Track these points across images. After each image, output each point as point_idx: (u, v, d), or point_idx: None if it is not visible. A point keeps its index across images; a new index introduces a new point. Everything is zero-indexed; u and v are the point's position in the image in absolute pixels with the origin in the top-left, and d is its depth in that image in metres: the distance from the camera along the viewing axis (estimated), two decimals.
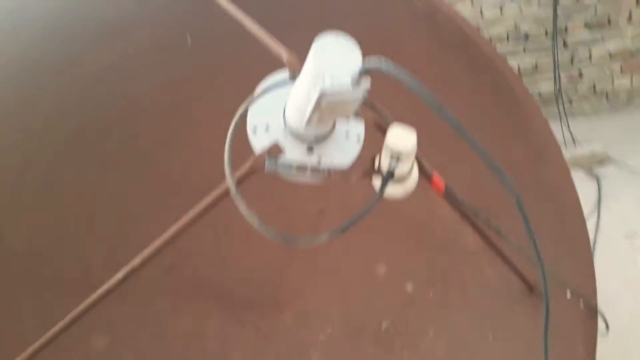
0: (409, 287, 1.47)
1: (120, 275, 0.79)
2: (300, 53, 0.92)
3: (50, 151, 1.24)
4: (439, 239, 1.52)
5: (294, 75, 0.77)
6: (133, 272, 0.80)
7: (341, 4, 1.56)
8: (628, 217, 2.90)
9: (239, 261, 1.43)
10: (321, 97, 0.61)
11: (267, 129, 0.76)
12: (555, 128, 3.74)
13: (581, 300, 1.36)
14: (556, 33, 4.12)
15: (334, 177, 0.76)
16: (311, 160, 0.76)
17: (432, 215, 1.52)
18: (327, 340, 1.41)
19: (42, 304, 1.19)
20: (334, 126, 0.76)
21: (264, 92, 0.73)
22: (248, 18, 0.95)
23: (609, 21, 4.14)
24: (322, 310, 1.45)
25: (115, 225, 1.29)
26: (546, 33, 4.15)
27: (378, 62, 0.57)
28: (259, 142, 0.76)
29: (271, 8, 1.35)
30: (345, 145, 0.79)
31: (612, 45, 4.19)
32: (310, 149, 0.75)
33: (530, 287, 1.36)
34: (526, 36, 4.15)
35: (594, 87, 4.29)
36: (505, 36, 4.18)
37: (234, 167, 0.75)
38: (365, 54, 0.87)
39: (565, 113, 4.17)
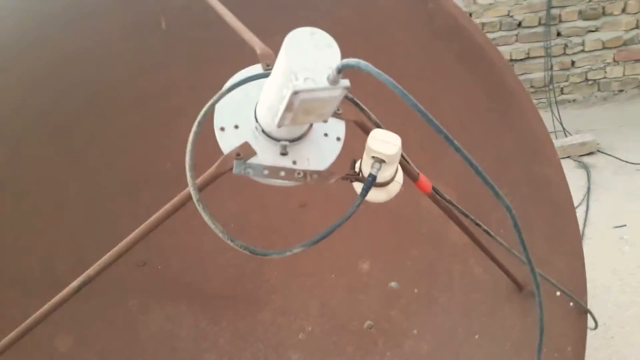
0: (393, 284, 1.42)
1: (75, 284, 0.72)
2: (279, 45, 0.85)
3: (12, 137, 1.16)
4: (425, 235, 1.46)
5: (268, 71, 0.70)
6: (89, 280, 0.73)
7: None
8: (616, 207, 2.87)
9: (215, 257, 1.37)
10: (294, 96, 0.54)
11: (236, 128, 0.69)
12: (546, 117, 3.69)
13: (571, 300, 1.32)
14: (550, 21, 4.04)
15: (310, 180, 0.69)
16: (285, 162, 0.69)
17: (418, 209, 1.46)
18: (307, 339, 1.36)
19: (2, 304, 1.11)
20: (311, 125, 0.69)
21: (233, 88, 0.65)
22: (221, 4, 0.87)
23: (604, 11, 4.07)
24: (302, 308, 1.39)
25: (82, 218, 1.21)
26: (540, 21, 4.07)
27: (357, 60, 0.50)
28: (227, 143, 0.68)
29: None
30: (323, 146, 0.72)
31: (606, 35, 4.12)
32: (284, 150, 0.68)
33: (518, 286, 1.31)
34: (519, 24, 4.07)
35: (586, 76, 4.23)
36: (498, 24, 4.10)
37: (202, 168, 0.68)
38: (354, 42, 0.80)
39: (556, 102, 4.12)
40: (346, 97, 0.74)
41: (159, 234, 0.93)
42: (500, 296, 1.34)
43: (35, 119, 1.14)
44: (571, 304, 1.33)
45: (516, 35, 4.16)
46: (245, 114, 0.70)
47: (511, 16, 4.11)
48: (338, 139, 0.74)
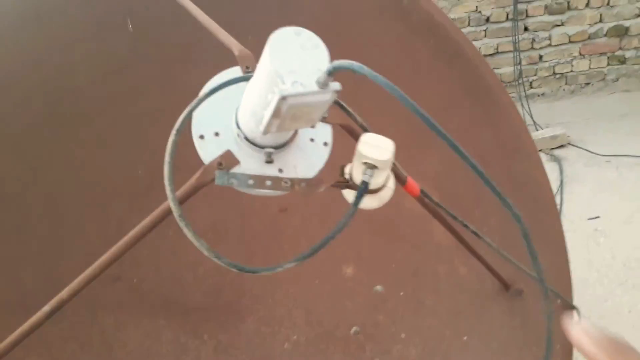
0: (379, 288, 1.38)
1: (47, 308, 0.67)
2: (258, 46, 0.80)
3: None
4: (408, 236, 1.44)
5: (247, 73, 0.65)
6: (62, 304, 0.67)
7: None
8: (590, 199, 2.92)
9: (193, 268, 1.31)
10: (281, 101, 0.49)
11: (217, 136, 0.64)
12: None
13: (559, 297, 1.31)
14: (517, 16, 4.10)
15: (298, 189, 0.65)
16: (271, 170, 0.65)
17: (400, 209, 1.43)
18: (293, 348, 1.31)
19: None
20: (296, 131, 0.65)
21: (212, 93, 0.61)
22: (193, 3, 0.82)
23: (569, 6, 4.15)
24: (286, 317, 1.35)
25: (48, 234, 1.14)
26: (507, 16, 4.12)
27: (349, 62, 0.46)
28: (207, 151, 0.64)
29: None
30: (310, 152, 0.68)
31: (571, 29, 4.20)
32: (269, 158, 0.64)
33: (505, 286, 1.30)
34: (487, 19, 4.11)
35: (554, 70, 4.30)
36: (467, 19, 4.13)
37: (179, 181, 0.63)
38: (327, 40, 0.75)
39: (526, 96, 4.18)
40: None
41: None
42: (487, 296, 1.32)
43: None
44: (559, 301, 1.32)
45: (485, 30, 4.20)
46: (225, 120, 0.65)
47: (479, 12, 4.15)
48: (325, 144, 0.70)
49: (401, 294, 1.38)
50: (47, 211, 1.14)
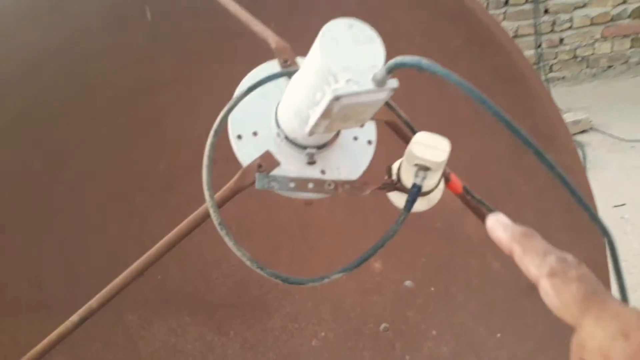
0: (408, 283, 1.34)
1: (75, 318, 0.63)
2: (282, 34, 0.75)
3: None
4: (439, 229, 1.39)
5: (286, 68, 0.61)
6: (91, 313, 0.63)
7: None
8: (615, 186, 2.84)
9: (218, 263, 1.28)
10: (334, 101, 0.45)
11: (255, 135, 0.60)
12: None
13: None
14: None
15: (342, 192, 0.61)
16: (313, 172, 0.61)
17: None
18: (321, 345, 1.28)
19: None
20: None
21: (251, 89, 0.56)
22: None
23: None
24: (313, 313, 1.32)
25: (69, 231, 1.11)
26: None
27: (416, 57, 0.41)
28: (245, 153, 0.59)
29: None
30: (353, 152, 0.63)
31: (593, 10, 4.07)
32: (311, 159, 0.60)
33: None
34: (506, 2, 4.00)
35: (575, 53, 4.19)
36: (485, 2, 4.02)
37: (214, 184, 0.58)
38: None
39: (546, 79, 4.07)
40: None
41: (156, 241, 0.84)
42: (522, 292, 1.27)
43: (8, 125, 1.03)
44: None
45: (504, 13, 4.09)
46: (263, 118, 0.61)
47: None
48: (369, 142, 0.65)
49: (432, 289, 1.34)
50: (68, 208, 1.11)
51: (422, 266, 1.34)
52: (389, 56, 0.48)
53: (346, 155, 0.63)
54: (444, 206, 1.44)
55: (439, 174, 0.60)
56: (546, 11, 4.08)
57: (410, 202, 0.58)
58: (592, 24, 4.15)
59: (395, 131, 0.67)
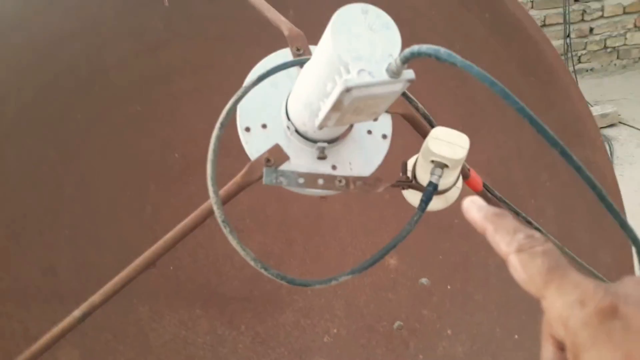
0: (424, 280, 1.31)
1: (77, 313, 0.61)
2: (301, 22, 0.72)
3: None
4: (457, 225, 1.35)
5: (298, 56, 0.57)
6: (93, 308, 0.62)
7: None
8: None
9: (230, 256, 1.26)
10: (345, 93, 0.41)
11: (264, 128, 0.57)
12: None
13: None
14: None
15: (354, 189, 0.57)
16: (324, 167, 0.57)
17: None
18: (333, 342, 1.25)
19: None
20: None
21: (260, 79, 0.53)
22: None
23: None
24: (326, 309, 1.29)
25: (81, 219, 1.10)
26: None
27: (434, 47, 0.37)
28: (253, 146, 0.56)
29: None
30: (367, 146, 0.60)
31: None
32: (322, 154, 0.56)
33: None
34: None
35: (605, 43, 4.06)
36: None
37: (221, 177, 0.56)
38: None
39: (574, 71, 3.96)
40: None
41: (169, 231, 0.82)
42: None
43: (20, 113, 1.01)
44: None
45: (532, 1, 3.97)
46: (273, 110, 0.57)
47: None
48: (384, 136, 0.62)
49: (448, 287, 1.30)
50: (80, 197, 1.09)
51: (438, 263, 1.31)
52: (408, 45, 0.44)
53: (359, 150, 0.59)
54: (461, 202, 1.39)
55: (456, 172, 0.57)
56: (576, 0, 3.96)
57: (425, 202, 0.55)
58: (624, 12, 4.01)
59: (413, 125, 0.63)
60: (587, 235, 1.25)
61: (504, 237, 0.32)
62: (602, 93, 3.77)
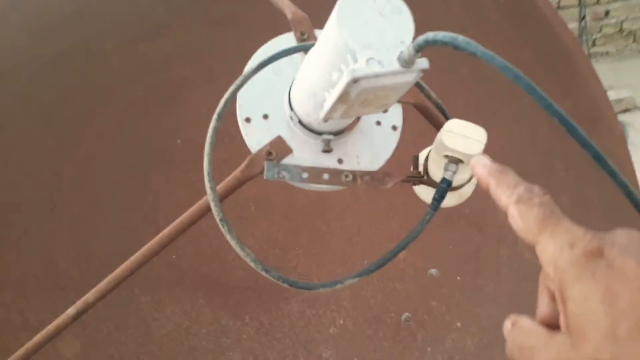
0: (433, 271, 1.28)
1: (71, 311, 0.59)
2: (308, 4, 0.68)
3: None
4: (467, 215, 1.31)
5: (302, 42, 0.53)
6: (88, 307, 0.59)
7: None
8: None
9: None
10: (352, 83, 0.38)
11: (265, 119, 0.53)
12: None
13: None
14: None
15: (361, 184, 0.54)
16: (329, 161, 0.54)
17: None
18: (339, 333, 1.23)
19: None
20: None
21: (260, 68, 0.49)
22: None
23: None
24: (332, 299, 1.26)
25: (80, 208, 1.07)
26: None
27: (451, 34, 0.34)
28: (254, 138, 0.53)
29: None
30: (375, 138, 0.56)
31: None
32: (327, 147, 0.53)
33: None
34: None
35: (621, 26, 3.95)
36: None
37: (220, 172, 0.52)
38: None
39: (589, 54, 3.86)
40: None
41: (170, 220, 0.80)
42: None
43: (17, 99, 0.98)
44: None
45: None
46: (275, 99, 0.54)
47: None
48: (394, 128, 0.58)
49: (458, 278, 1.27)
50: (79, 185, 1.07)
51: (448, 254, 1.27)
52: (420, 31, 0.40)
53: (367, 142, 0.55)
54: (473, 190, 1.35)
55: None
56: None
57: (438, 200, 0.51)
58: None
59: (425, 115, 0.59)
60: (602, 226, 1.20)
61: (505, 190, 0.33)
62: (617, 78, 3.68)
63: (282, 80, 0.53)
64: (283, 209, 1.30)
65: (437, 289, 1.26)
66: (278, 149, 0.52)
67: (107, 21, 1.07)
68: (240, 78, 0.48)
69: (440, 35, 0.34)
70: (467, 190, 0.57)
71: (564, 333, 0.28)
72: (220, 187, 0.52)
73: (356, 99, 0.41)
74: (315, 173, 0.53)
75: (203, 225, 1.24)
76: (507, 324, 0.35)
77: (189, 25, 1.17)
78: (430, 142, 0.63)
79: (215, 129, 0.47)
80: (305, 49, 0.53)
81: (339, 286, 0.50)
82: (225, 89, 0.65)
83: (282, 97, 0.53)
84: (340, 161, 0.54)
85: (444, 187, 0.51)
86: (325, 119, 0.45)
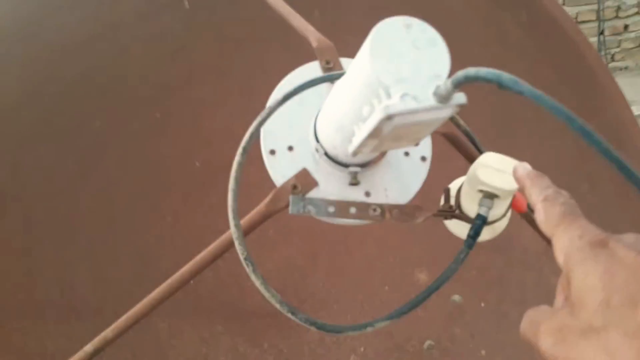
0: (456, 297, 1.24)
1: (89, 348, 0.57)
2: (326, 25, 0.66)
3: (10, 144, 0.99)
4: (492, 240, 1.27)
5: (328, 71, 0.51)
6: (106, 344, 0.57)
7: None
8: None
9: None
10: (386, 120, 0.35)
11: (290, 150, 0.51)
12: None
13: None
14: None
15: (390, 218, 0.51)
16: (356, 194, 0.51)
17: None
18: None
19: (15, 334, 0.97)
20: None
21: (285, 99, 0.47)
22: None
23: None
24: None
25: (98, 232, 1.06)
26: None
27: (494, 71, 0.31)
28: (279, 171, 0.51)
29: None
30: (404, 170, 0.54)
31: None
32: (354, 179, 0.50)
33: None
34: None
35: None
36: None
37: (247, 188, 0.50)
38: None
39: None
40: None
41: (189, 243, 0.77)
42: None
43: (36, 121, 0.98)
44: None
45: None
46: (300, 130, 0.52)
47: None
48: (423, 158, 0.56)
49: (482, 304, 1.23)
50: (97, 208, 1.06)
51: (472, 279, 1.24)
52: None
53: (395, 174, 0.53)
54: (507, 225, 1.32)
55: (508, 202, 0.50)
56: None
57: (473, 237, 0.49)
58: None
59: (454, 144, 0.57)
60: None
61: (537, 190, 0.37)
62: (636, 92, 3.62)
63: (307, 111, 0.51)
64: (302, 232, 1.28)
65: (460, 316, 1.22)
66: (303, 182, 0.50)
67: (125, 44, 1.07)
68: (265, 111, 0.46)
69: (483, 72, 0.32)
70: (501, 225, 0.54)
71: (566, 305, 0.31)
72: (243, 222, 0.50)
73: (388, 135, 0.39)
74: (342, 207, 0.50)
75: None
76: None
77: (207, 47, 1.16)
78: (455, 167, 0.60)
79: (240, 164, 0.45)
80: (331, 79, 0.51)
81: (369, 329, 0.47)
82: (243, 111, 0.64)
83: (307, 128, 0.51)
84: (367, 194, 0.52)
85: (480, 223, 0.48)
86: (355, 154, 0.43)
